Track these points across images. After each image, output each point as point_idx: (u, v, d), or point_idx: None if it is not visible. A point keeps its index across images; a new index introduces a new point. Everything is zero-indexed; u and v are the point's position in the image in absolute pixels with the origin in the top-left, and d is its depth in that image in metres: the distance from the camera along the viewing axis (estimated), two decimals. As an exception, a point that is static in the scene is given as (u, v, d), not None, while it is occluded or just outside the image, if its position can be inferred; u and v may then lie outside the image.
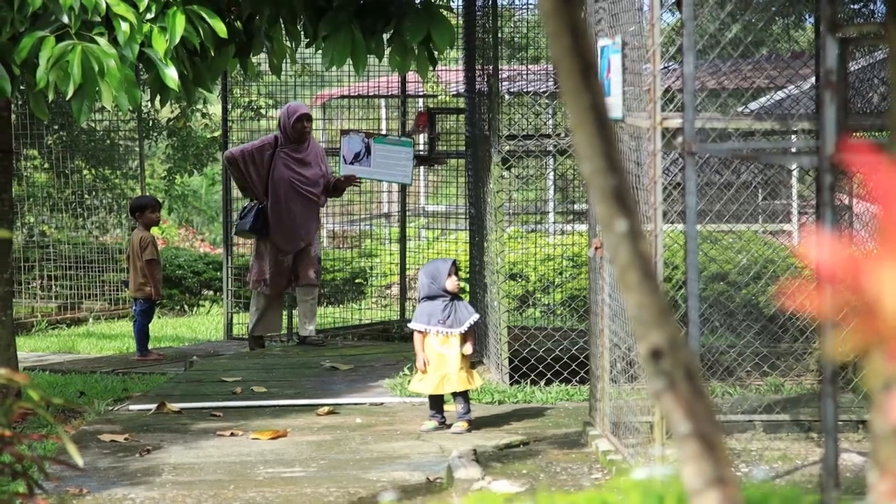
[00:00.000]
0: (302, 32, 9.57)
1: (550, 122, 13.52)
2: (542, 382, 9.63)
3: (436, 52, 9.59)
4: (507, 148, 9.84)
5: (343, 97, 16.90)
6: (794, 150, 6.38)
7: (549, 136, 10.35)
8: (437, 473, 7.22)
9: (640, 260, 2.49)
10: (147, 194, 15.07)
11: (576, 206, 16.25)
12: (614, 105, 6.93)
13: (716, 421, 2.46)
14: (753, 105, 8.99)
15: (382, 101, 17.75)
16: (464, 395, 8.44)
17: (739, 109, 8.21)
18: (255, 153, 12.08)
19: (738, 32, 6.96)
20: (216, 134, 19.27)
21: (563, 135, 10.31)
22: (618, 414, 7.18)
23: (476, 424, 8.56)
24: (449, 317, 8.41)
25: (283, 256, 12.15)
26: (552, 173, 15.39)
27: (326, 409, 9.18)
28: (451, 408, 8.54)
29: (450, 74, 16.18)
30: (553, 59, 2.57)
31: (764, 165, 8.54)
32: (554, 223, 16.30)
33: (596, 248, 7.48)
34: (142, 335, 12.61)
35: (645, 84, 6.21)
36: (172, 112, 19.37)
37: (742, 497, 2.41)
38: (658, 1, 6.03)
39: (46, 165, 17.75)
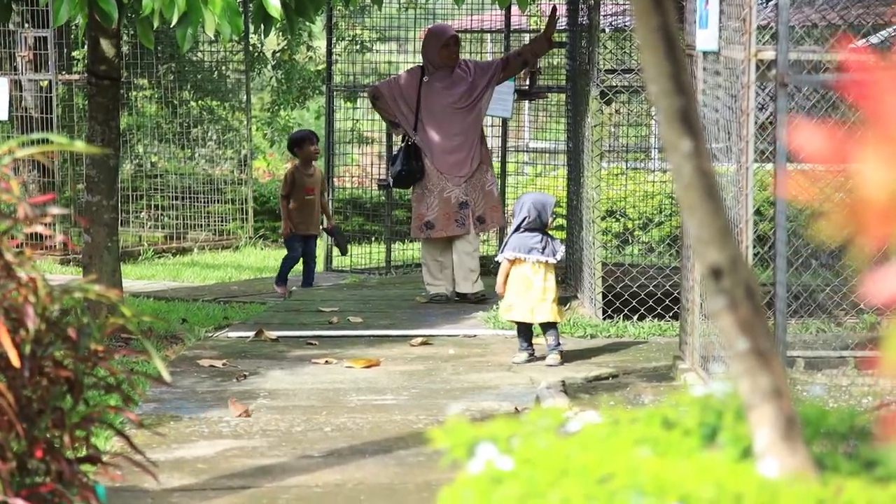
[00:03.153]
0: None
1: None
2: (635, 318, 9.64)
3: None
4: (606, 82, 9.81)
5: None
6: None
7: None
8: (525, 404, 7.30)
9: (702, 179, 2.52)
10: (302, 129, 14.43)
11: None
12: (710, 37, 6.89)
13: (772, 338, 2.48)
14: (859, 43, 8.86)
15: (488, 36, 17.73)
16: (554, 328, 8.49)
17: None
18: (402, 84, 11.04)
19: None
20: (321, 67, 19.40)
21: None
22: (707, 347, 7.18)
23: (567, 357, 8.60)
24: (545, 247, 8.46)
25: (452, 188, 10.88)
26: (654, 109, 15.32)
27: (420, 339, 9.28)
28: (539, 341, 8.59)
29: (549, 7, 16.08)
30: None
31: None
32: (655, 160, 16.23)
33: (689, 183, 7.46)
34: (281, 267, 12.44)
35: (741, 15, 6.16)
36: (278, 45, 19.51)
37: (798, 412, 2.45)
38: (755, -68, 5.97)
39: (157, 96, 18.00)
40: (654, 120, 15.79)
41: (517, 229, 8.54)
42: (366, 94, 15.72)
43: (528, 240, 8.47)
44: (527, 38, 15.34)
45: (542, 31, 11.31)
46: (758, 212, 7.49)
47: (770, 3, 7.36)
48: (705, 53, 7.17)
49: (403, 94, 10.98)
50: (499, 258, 8.61)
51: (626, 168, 14.93)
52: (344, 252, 12.95)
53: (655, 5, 2.56)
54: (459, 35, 11.56)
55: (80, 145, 4.07)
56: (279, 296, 12.04)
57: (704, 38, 7.03)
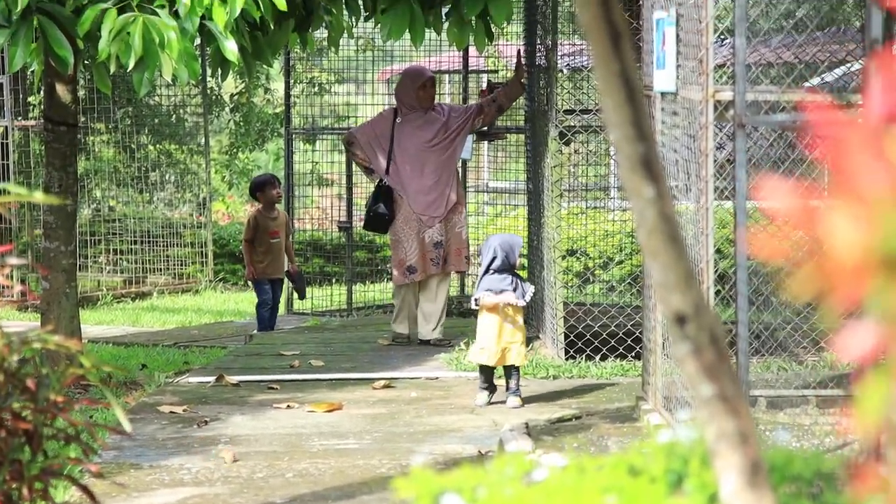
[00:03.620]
0: (361, 6, 9.62)
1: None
2: (598, 358, 9.64)
3: (493, 26, 9.61)
4: (565, 122, 9.83)
5: (406, 73, 16.92)
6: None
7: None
8: (488, 447, 7.27)
9: (665, 224, 2.51)
10: (263, 173, 14.16)
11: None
12: (668, 77, 6.92)
13: (738, 384, 2.48)
14: (814, 81, 8.94)
15: (445, 77, 17.78)
16: (517, 370, 8.48)
17: (795, 83, 8.16)
18: (375, 127, 10.96)
19: (790, 6, 6.93)
20: (278, 110, 19.40)
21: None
22: (669, 388, 7.18)
23: (529, 399, 8.59)
24: (516, 289, 8.45)
25: (427, 228, 10.78)
26: (613, 149, 15.37)
27: (382, 382, 9.24)
28: (499, 382, 8.57)
29: (511, 49, 16.15)
30: (583, 26, 2.59)
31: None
32: (615, 199, 16.27)
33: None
34: (258, 319, 12.41)
35: (698, 56, 6.20)
36: (236, 88, 19.50)
37: (764, 457, 2.43)
38: (711, -26, 6.01)
39: (114, 140, 17.94)
40: (612, 159, 15.85)
41: (487, 271, 8.51)
42: (323, 137, 15.75)
43: (499, 282, 8.45)
44: (484, 78, 15.38)
45: (507, 76, 11.36)
46: (718, 250, 7.53)
47: (726, 43, 7.41)
48: (663, 94, 7.19)
49: (377, 136, 10.91)
50: (474, 301, 8.55)
51: (586, 207, 14.97)
52: (302, 297, 12.93)
53: (614, 50, 2.56)
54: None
55: (38, 196, 4.04)
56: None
57: (662, 78, 7.06)
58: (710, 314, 2.46)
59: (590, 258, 14.91)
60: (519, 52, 11.01)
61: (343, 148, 11.81)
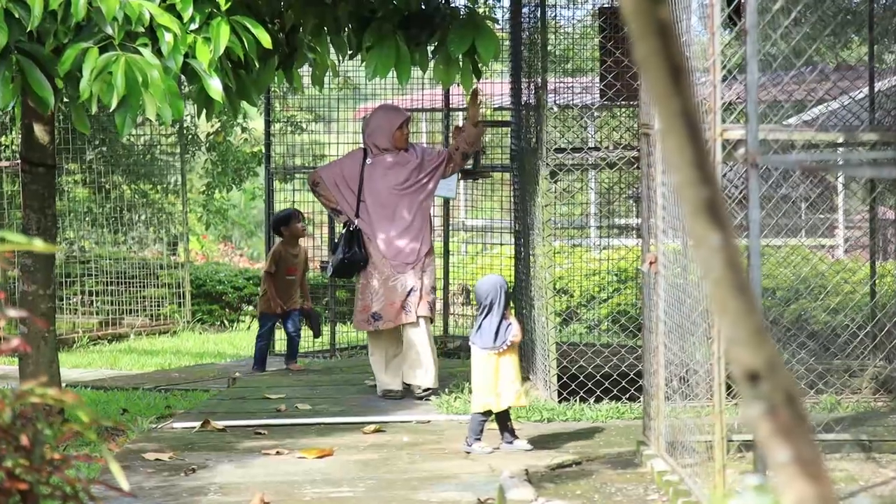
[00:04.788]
0: (346, 43, 9.45)
1: (596, 135, 13.38)
2: (592, 400, 9.45)
3: (480, 64, 9.46)
4: (556, 161, 9.68)
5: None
6: (866, 161, 6.19)
7: (597, 149, 10.19)
8: (487, 494, 7.06)
9: (733, 274, 2.34)
10: (286, 208, 13.71)
11: (619, 221, 16.09)
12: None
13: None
14: (809, 115, 8.82)
15: (423, 115, 17.64)
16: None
17: (797, 119, 8.04)
18: (343, 168, 10.42)
19: (799, 42, 6.79)
20: (256, 149, 19.21)
21: (611, 147, 10.16)
22: (674, 433, 7.00)
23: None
24: (507, 330, 8.26)
25: (398, 275, 10.23)
26: (595, 186, 15.23)
27: (373, 426, 9.03)
28: (492, 426, 8.39)
29: (493, 87, 16.04)
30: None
31: (818, 179, 8.36)
32: (598, 237, 16.14)
33: (650, 263, 7.31)
34: (256, 350, 12.26)
35: (704, 94, 6.04)
36: (212, 127, 19.32)
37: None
38: (718, 9, 5.86)
39: (87, 181, 17.71)
40: (592, 194, 15.72)
41: (487, 314, 8.30)
42: (302, 175, 15.55)
43: (495, 323, 8.25)
44: (460, 117, 15.21)
45: (490, 115, 11.13)
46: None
47: (734, 83, 7.26)
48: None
49: (345, 177, 10.36)
50: (502, 346, 8.27)
51: (568, 246, 14.84)
52: (317, 335, 12.77)
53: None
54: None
55: (38, 244, 3.82)
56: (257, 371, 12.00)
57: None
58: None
59: (572, 297, 14.76)
60: (475, 91, 10.33)
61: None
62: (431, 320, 10.38)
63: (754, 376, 2.30)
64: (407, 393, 10.22)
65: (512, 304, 8.43)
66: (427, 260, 10.31)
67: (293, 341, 12.22)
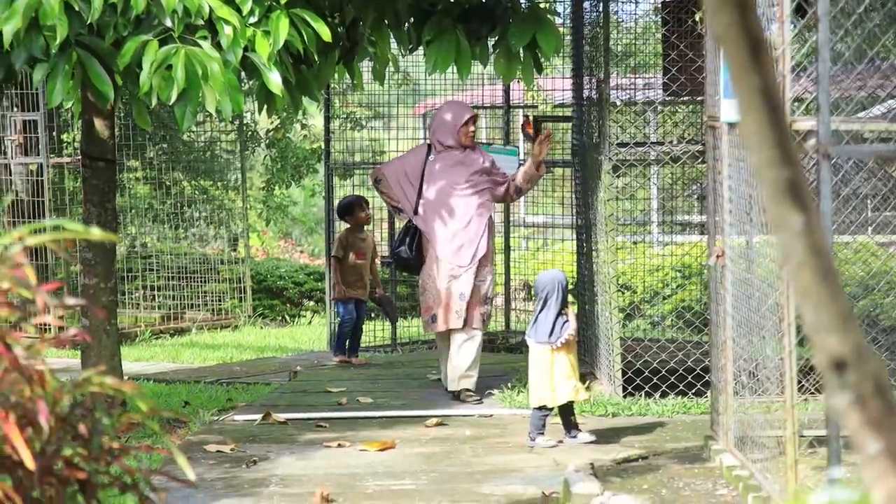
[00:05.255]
0: (407, 37, 9.37)
1: (658, 130, 13.25)
2: (657, 395, 9.34)
3: (542, 58, 9.35)
4: (619, 156, 9.56)
5: (445, 107, 16.67)
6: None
7: (661, 144, 10.06)
8: (552, 488, 6.98)
9: (817, 260, 2.24)
10: (350, 194, 13.42)
11: (681, 217, 15.94)
12: (735, 107, 6.65)
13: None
14: (879, 110, 8.65)
15: (484, 112, 17.55)
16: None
17: (867, 114, 7.88)
18: (405, 164, 10.15)
19: (869, 35, 6.65)
20: (315, 146, 19.19)
21: (675, 142, 10.03)
22: (742, 428, 6.88)
23: (590, 438, 8.32)
24: (564, 327, 8.18)
25: (451, 278, 9.85)
26: (657, 182, 15.09)
27: (435, 420, 8.97)
28: (556, 420, 8.31)
29: (554, 82, 15.90)
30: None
31: (890, 173, 8.20)
32: (660, 233, 15.99)
33: (717, 257, 7.19)
34: (337, 336, 12.16)
35: (773, 83, 5.91)
36: (271, 123, 19.32)
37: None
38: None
39: (148, 177, 17.77)
40: (654, 190, 15.58)
41: (543, 308, 8.23)
42: (361, 172, 15.51)
43: (553, 318, 8.17)
44: (519, 113, 15.08)
45: (548, 111, 10.91)
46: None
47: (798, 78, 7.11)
48: (731, 125, 6.92)
49: (407, 174, 10.10)
50: (557, 342, 8.18)
51: (630, 242, 14.70)
52: (393, 322, 12.67)
53: (754, 62, 2.29)
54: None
55: (95, 232, 3.78)
56: (339, 361, 11.84)
57: (730, 108, 6.78)
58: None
59: (635, 293, 14.63)
60: (546, 133, 9.89)
61: (375, 184, 11.02)
62: (479, 331, 9.93)
63: (841, 364, 2.21)
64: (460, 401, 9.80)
65: (573, 300, 8.32)
66: (484, 269, 9.92)
67: (356, 334, 12.12)
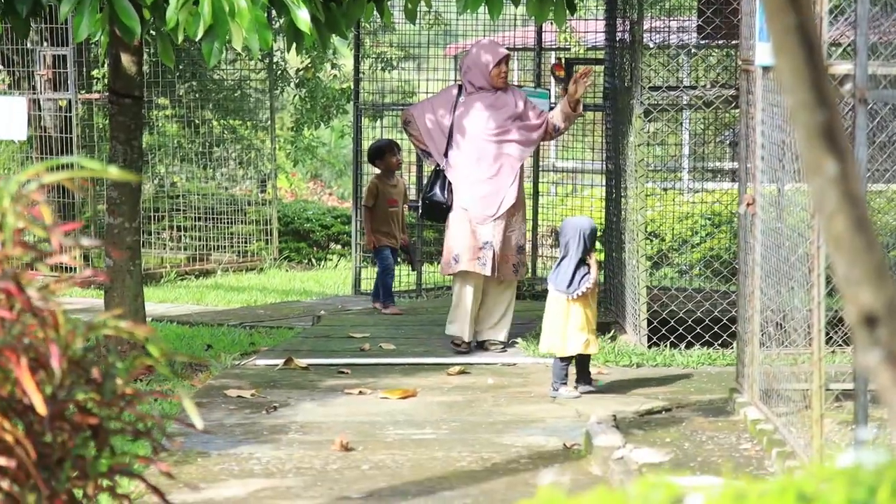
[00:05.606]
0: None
1: (692, 74, 13.06)
2: (682, 345, 9.21)
3: (574, -1, 9.16)
4: (651, 100, 9.39)
5: (475, 49, 16.47)
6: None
7: (693, 88, 9.88)
8: (573, 439, 6.88)
9: (851, 207, 2.12)
10: (381, 138, 12.95)
11: (713, 164, 15.75)
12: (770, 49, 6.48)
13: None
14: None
15: (515, 54, 17.36)
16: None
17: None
18: (435, 106, 9.74)
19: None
20: (345, 86, 19.03)
21: (708, 86, 9.85)
22: (768, 381, 6.76)
23: (613, 388, 8.23)
24: (584, 278, 8.05)
25: (476, 225, 9.55)
26: (687, 128, 14.90)
27: (457, 368, 8.88)
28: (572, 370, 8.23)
29: (587, 24, 15.67)
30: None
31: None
32: (691, 180, 15.81)
33: (748, 205, 7.04)
34: (376, 285, 11.78)
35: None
36: (302, 63, 19.17)
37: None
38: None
39: (177, 115, 17.66)
40: (686, 135, 15.39)
41: (565, 256, 8.11)
42: (391, 113, 15.33)
43: (575, 270, 8.04)
44: (552, 56, 14.89)
45: (581, 53, 10.64)
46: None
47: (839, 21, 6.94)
48: (765, 68, 6.75)
49: (436, 117, 9.70)
50: (575, 293, 8.05)
51: (660, 188, 14.53)
52: (414, 268, 12.51)
53: (791, 0, 2.15)
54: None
55: (113, 171, 3.68)
56: (391, 313, 11.38)
57: (764, 52, 6.62)
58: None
59: (663, 241, 14.48)
60: (584, 70, 9.60)
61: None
62: (513, 282, 9.74)
63: (872, 319, 2.08)
64: (478, 348, 9.65)
65: (599, 248, 8.16)
66: (514, 219, 9.61)
67: (390, 276, 11.75)
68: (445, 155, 9.71)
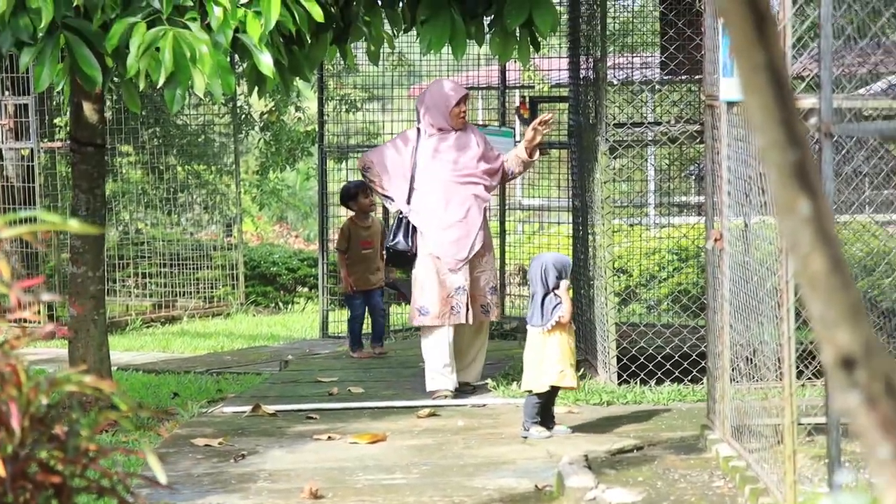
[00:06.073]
0: (401, 17, 9.18)
1: (656, 110, 13.08)
2: (653, 382, 9.17)
3: (538, 37, 9.16)
4: (616, 136, 9.38)
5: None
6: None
7: (658, 124, 9.87)
8: (545, 480, 6.81)
9: (826, 248, 2.08)
10: (351, 180, 12.40)
11: (679, 199, 15.77)
12: (736, 86, 6.48)
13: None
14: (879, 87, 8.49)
15: (479, 93, 17.37)
16: None
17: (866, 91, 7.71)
18: (395, 151, 9.49)
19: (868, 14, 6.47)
20: (310, 128, 19.00)
21: (672, 122, 9.84)
22: (740, 416, 6.71)
23: (585, 427, 8.16)
24: (555, 309, 8.00)
25: (448, 272, 9.31)
26: (654, 163, 14.92)
27: (427, 410, 8.80)
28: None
29: (551, 62, 15.69)
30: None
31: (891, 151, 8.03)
32: (657, 215, 15.82)
33: (715, 241, 7.02)
34: (349, 332, 11.57)
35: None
36: (266, 106, 19.12)
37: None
38: (787, -28, 5.56)
39: (141, 161, 17.57)
40: (650, 171, 15.41)
41: (533, 292, 8.06)
42: (355, 155, 15.25)
43: (544, 303, 8.01)
44: (516, 94, 14.89)
45: (545, 91, 10.64)
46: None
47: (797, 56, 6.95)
48: (729, 104, 6.74)
49: (397, 161, 9.46)
50: (546, 326, 7.97)
51: (626, 224, 14.53)
52: (408, 301, 12.42)
53: (759, 37, 2.12)
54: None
55: (74, 224, 3.61)
56: (360, 357, 11.16)
57: (729, 87, 6.61)
58: (885, 357, 2.02)
59: (631, 277, 14.46)
60: (542, 119, 9.39)
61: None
62: (492, 324, 9.47)
63: (850, 362, 2.04)
64: (459, 394, 9.36)
65: (570, 284, 8.11)
66: (485, 258, 9.42)
67: (377, 323, 11.51)
68: (408, 200, 9.47)
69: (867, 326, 2.06)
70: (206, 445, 7.92)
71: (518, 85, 15.71)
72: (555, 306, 7.95)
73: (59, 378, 3.81)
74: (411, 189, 9.45)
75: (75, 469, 3.82)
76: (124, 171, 17.68)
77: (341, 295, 12.08)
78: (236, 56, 8.22)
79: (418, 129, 9.58)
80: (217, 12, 7.82)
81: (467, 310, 9.30)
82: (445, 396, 9.26)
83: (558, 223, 14.86)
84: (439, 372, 9.32)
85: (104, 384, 3.86)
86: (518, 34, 9.04)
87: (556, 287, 7.98)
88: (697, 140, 9.60)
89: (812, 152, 5.47)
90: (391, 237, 9.51)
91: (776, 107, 2.11)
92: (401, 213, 9.54)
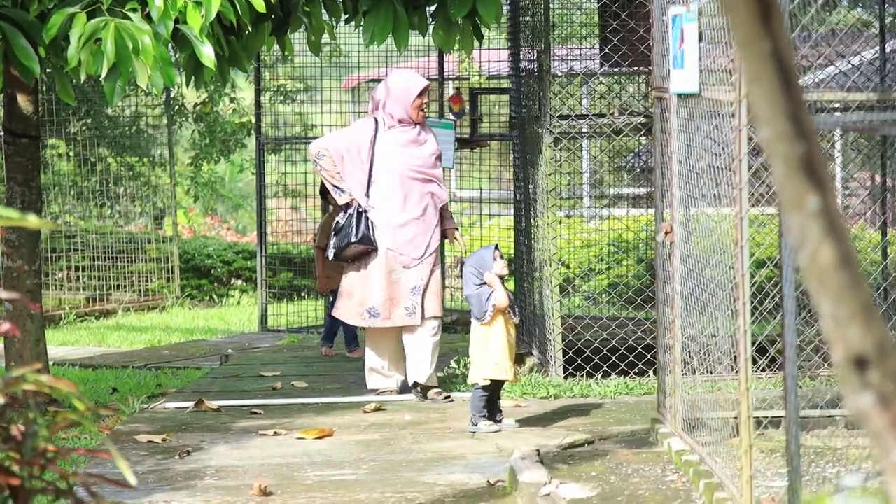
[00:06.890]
0: (341, 7, 9.07)
1: (600, 101, 13.06)
2: (599, 375, 9.14)
3: (482, 27, 9.09)
4: (560, 128, 9.33)
5: (375, 80, 16.37)
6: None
7: (602, 116, 9.82)
8: (497, 476, 6.76)
9: (836, 243, 2.02)
10: None
11: (616, 191, 15.78)
12: (688, 78, 6.45)
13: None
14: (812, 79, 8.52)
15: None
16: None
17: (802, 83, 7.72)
18: (353, 141, 9.05)
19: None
20: (244, 119, 18.81)
21: (616, 114, 9.80)
22: (691, 410, 6.69)
23: (533, 421, 8.12)
24: (487, 299, 7.92)
25: (403, 270, 8.98)
26: (588, 155, 14.92)
27: (373, 405, 8.71)
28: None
29: (489, 54, 15.63)
30: (725, 1, 2.09)
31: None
32: (593, 207, 15.82)
33: (666, 233, 6.99)
34: (326, 328, 11.18)
35: (729, 54, 5.72)
36: (199, 97, 18.92)
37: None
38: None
39: (71, 153, 17.32)
40: (584, 164, 15.41)
41: (471, 294, 8.00)
42: (290, 147, 15.13)
43: (476, 295, 7.95)
44: (451, 85, 14.82)
45: (483, 83, 10.49)
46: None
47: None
48: (680, 95, 6.71)
49: (355, 151, 9.02)
50: (485, 318, 7.87)
51: (562, 216, 14.50)
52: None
53: (765, 26, 2.06)
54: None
55: (33, 220, 3.50)
56: (326, 356, 10.82)
57: (680, 79, 6.58)
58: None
59: (568, 268, 14.45)
60: (478, 96, 9.45)
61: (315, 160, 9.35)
62: (438, 319, 9.08)
63: (862, 362, 1.98)
64: (405, 391, 9.11)
65: (499, 271, 7.95)
66: (434, 256, 9.09)
67: (335, 325, 10.99)
68: (367, 193, 9.09)
69: (880, 325, 2.01)
70: (150, 442, 7.80)
71: (454, 76, 15.66)
72: (488, 297, 7.88)
73: (16, 377, 3.70)
74: (370, 182, 9.07)
75: (33, 471, 3.71)
76: (54, 163, 17.42)
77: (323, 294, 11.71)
78: (171, 46, 8.07)
79: (375, 120, 9.15)
80: (157, 3, 7.69)
81: (422, 310, 8.98)
82: (391, 392, 9.14)
83: (500, 215, 14.82)
84: (383, 371, 9.16)
85: (62, 383, 3.75)
86: (461, 24, 8.96)
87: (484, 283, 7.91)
88: (642, 132, 9.57)
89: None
90: (353, 232, 8.97)
91: (783, 98, 2.06)
92: (357, 206, 9.03)
